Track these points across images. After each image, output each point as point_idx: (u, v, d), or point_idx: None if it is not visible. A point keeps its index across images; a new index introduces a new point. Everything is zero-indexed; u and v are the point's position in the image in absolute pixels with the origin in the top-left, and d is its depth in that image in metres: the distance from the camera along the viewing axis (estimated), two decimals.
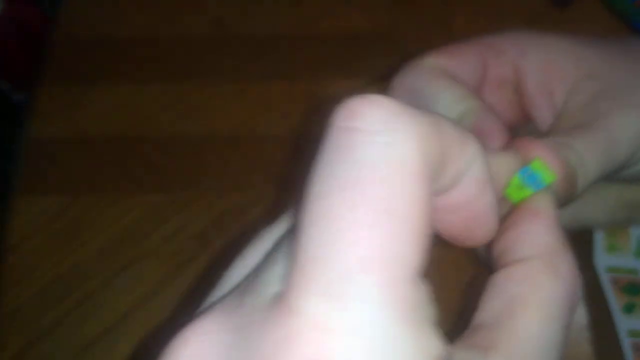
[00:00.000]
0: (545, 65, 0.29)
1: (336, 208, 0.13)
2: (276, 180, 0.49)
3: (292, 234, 0.15)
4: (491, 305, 0.19)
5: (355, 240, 0.13)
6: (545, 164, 0.23)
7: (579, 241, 0.44)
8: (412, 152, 0.14)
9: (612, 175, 0.28)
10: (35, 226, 0.47)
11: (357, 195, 0.13)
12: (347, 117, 0.14)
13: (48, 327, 0.43)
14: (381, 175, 0.13)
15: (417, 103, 0.29)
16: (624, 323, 0.39)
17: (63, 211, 0.48)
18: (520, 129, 0.32)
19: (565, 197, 0.25)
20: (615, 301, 0.40)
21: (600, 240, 0.41)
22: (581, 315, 0.44)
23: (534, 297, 0.18)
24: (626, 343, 0.38)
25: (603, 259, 0.40)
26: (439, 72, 0.29)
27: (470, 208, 0.17)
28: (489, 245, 0.20)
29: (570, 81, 0.29)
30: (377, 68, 0.55)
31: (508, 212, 0.21)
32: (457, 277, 0.41)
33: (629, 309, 0.39)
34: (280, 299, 0.13)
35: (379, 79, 0.52)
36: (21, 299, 0.44)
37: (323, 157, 0.14)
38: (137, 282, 0.45)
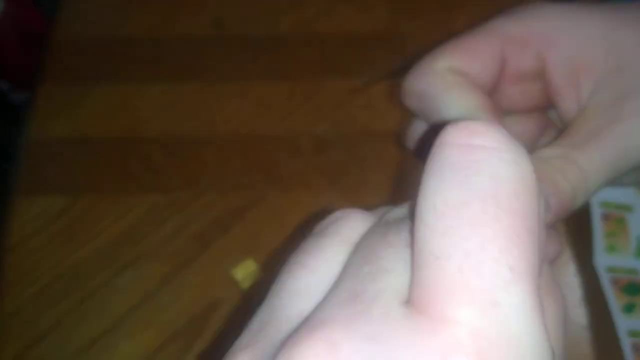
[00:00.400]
0: (573, 56, 0.28)
1: (479, 218, 0.14)
2: (276, 179, 0.49)
3: (412, 241, 0.15)
4: None
5: (503, 250, 0.13)
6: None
7: (579, 241, 0.44)
8: (531, 170, 0.15)
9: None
10: (35, 226, 0.47)
11: (497, 208, 0.14)
12: (469, 135, 0.15)
13: (48, 327, 0.43)
14: (515, 190, 0.14)
15: (429, 111, 0.28)
16: (623, 323, 0.39)
17: (63, 211, 0.48)
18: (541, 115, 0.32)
19: (563, 213, 0.25)
20: (615, 301, 0.40)
21: (600, 240, 0.41)
22: (581, 316, 0.44)
23: None
24: (626, 343, 0.38)
25: (603, 259, 0.40)
26: (451, 78, 0.28)
27: None
28: None
29: (598, 74, 0.28)
30: (377, 68, 0.55)
31: None
32: None
33: (628, 309, 0.39)
34: (422, 309, 0.13)
35: (379, 79, 0.52)
36: (21, 299, 0.44)
37: (446, 169, 0.15)
38: (137, 282, 0.45)
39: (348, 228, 0.18)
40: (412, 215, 0.16)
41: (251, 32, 0.57)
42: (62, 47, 0.57)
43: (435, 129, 0.18)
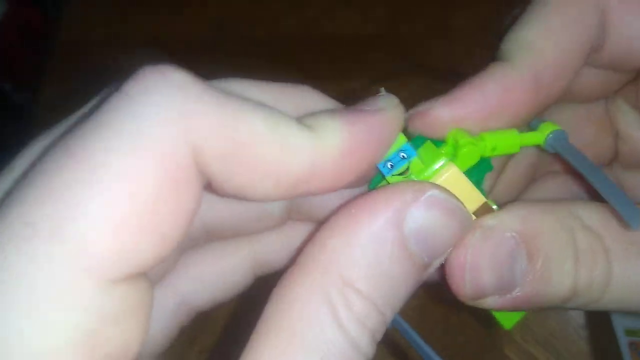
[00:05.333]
0: None
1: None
2: None
3: None
4: None
5: None
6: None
7: None
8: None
9: None
10: None
11: None
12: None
13: None
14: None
15: None
16: (620, 322, 0.39)
17: None
18: None
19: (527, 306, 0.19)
20: None
21: None
22: (579, 314, 0.45)
23: None
24: (623, 342, 0.39)
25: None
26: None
27: None
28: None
29: None
30: (377, 68, 0.55)
31: None
32: None
33: None
34: None
35: (379, 80, 0.52)
36: None
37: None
38: None
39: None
40: None
41: (252, 33, 0.58)
42: (64, 47, 0.58)
43: None
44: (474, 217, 0.19)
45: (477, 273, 0.18)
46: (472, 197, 0.19)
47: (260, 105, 0.17)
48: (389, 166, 0.19)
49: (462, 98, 0.21)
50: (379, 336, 0.17)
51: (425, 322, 0.45)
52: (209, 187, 0.17)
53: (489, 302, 0.19)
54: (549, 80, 0.21)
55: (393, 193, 0.17)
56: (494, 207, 0.20)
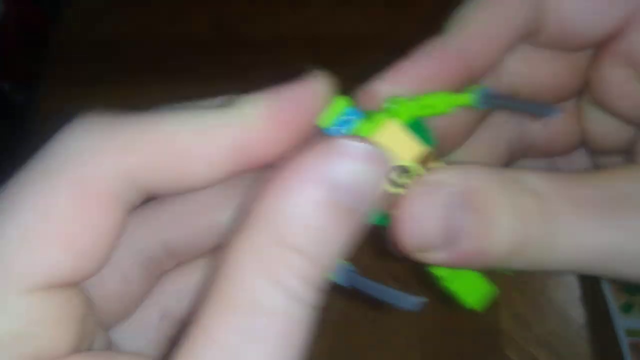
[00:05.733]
0: None
1: None
2: None
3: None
4: None
5: None
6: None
7: None
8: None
9: None
10: None
11: None
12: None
13: None
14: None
15: None
16: (622, 322, 0.39)
17: None
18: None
19: (470, 263, 0.20)
20: (613, 300, 0.40)
21: None
22: (579, 315, 0.45)
23: None
24: (624, 342, 0.39)
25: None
26: None
27: None
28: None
29: None
30: (377, 69, 0.55)
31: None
32: None
33: (627, 308, 0.40)
34: None
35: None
36: None
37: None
38: None
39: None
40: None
41: (251, 33, 0.58)
42: (63, 47, 0.58)
43: None
44: (422, 169, 0.20)
45: (422, 223, 0.19)
46: (414, 147, 0.20)
47: (170, 110, 0.19)
48: (336, 129, 0.21)
49: (397, 73, 0.23)
50: (323, 285, 0.17)
51: (424, 322, 0.45)
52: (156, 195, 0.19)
53: (433, 256, 0.19)
54: (476, 53, 0.23)
55: (317, 151, 0.17)
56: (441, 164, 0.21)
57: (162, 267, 0.23)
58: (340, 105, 0.21)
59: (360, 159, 0.18)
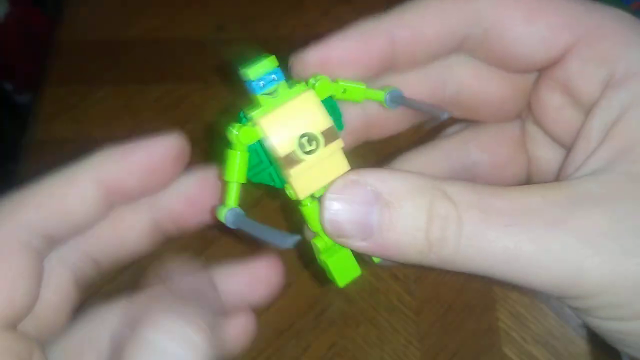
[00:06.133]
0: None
1: None
2: None
3: None
4: None
5: None
6: None
7: None
8: None
9: None
10: None
11: None
12: None
13: None
14: None
15: None
16: None
17: None
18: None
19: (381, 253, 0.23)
20: None
21: None
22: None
23: None
24: None
25: None
26: None
27: None
28: None
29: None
30: None
31: None
32: None
33: None
34: None
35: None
36: None
37: None
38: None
39: None
40: None
41: (252, 34, 0.58)
42: (65, 48, 0.58)
43: None
44: (322, 138, 0.23)
45: (339, 217, 0.21)
46: (321, 120, 0.23)
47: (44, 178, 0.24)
48: (261, 85, 0.23)
49: (327, 45, 0.25)
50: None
51: (423, 321, 0.45)
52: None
53: (351, 243, 0.22)
54: (402, 41, 0.25)
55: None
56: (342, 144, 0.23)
57: (87, 276, 0.26)
58: (268, 64, 0.23)
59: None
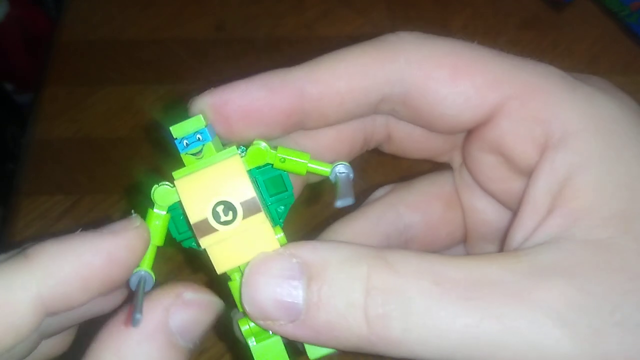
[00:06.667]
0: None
1: None
2: None
3: None
4: None
5: None
6: None
7: None
8: None
9: None
10: (39, 225, 0.47)
11: None
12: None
13: None
14: None
15: None
16: None
17: (67, 211, 0.48)
18: None
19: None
20: None
21: None
22: None
23: None
24: None
25: None
26: None
27: None
28: None
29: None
30: None
31: None
32: None
33: None
34: None
35: None
36: None
37: None
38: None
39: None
40: None
41: (252, 34, 0.58)
42: (66, 49, 0.58)
43: None
44: (240, 209, 0.21)
45: (257, 293, 0.19)
46: (242, 189, 0.21)
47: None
48: (185, 144, 0.21)
49: (226, 91, 0.23)
50: None
51: None
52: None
53: (277, 327, 0.19)
54: (313, 96, 0.22)
55: (156, 301, 0.20)
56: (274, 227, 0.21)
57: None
58: (194, 123, 0.21)
59: (196, 307, 0.20)
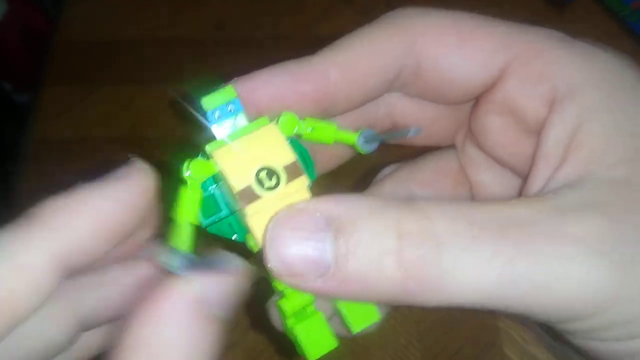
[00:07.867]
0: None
1: None
2: None
3: None
4: None
5: None
6: None
7: None
8: None
9: None
10: None
11: None
12: None
13: None
14: None
15: None
16: None
17: None
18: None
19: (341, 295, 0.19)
20: None
21: None
22: None
23: None
24: None
25: None
26: None
27: None
28: None
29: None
30: None
31: None
32: None
33: None
34: None
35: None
36: None
37: None
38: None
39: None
40: None
41: (252, 34, 0.58)
42: (65, 48, 0.58)
43: None
44: (284, 173, 0.20)
45: (283, 248, 0.18)
46: (284, 154, 0.20)
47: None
48: (216, 116, 0.21)
49: (253, 79, 0.22)
50: None
51: (423, 321, 0.45)
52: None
53: (306, 284, 0.18)
54: (335, 81, 0.23)
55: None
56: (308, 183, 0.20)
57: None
58: (225, 94, 0.21)
59: (227, 274, 0.18)
